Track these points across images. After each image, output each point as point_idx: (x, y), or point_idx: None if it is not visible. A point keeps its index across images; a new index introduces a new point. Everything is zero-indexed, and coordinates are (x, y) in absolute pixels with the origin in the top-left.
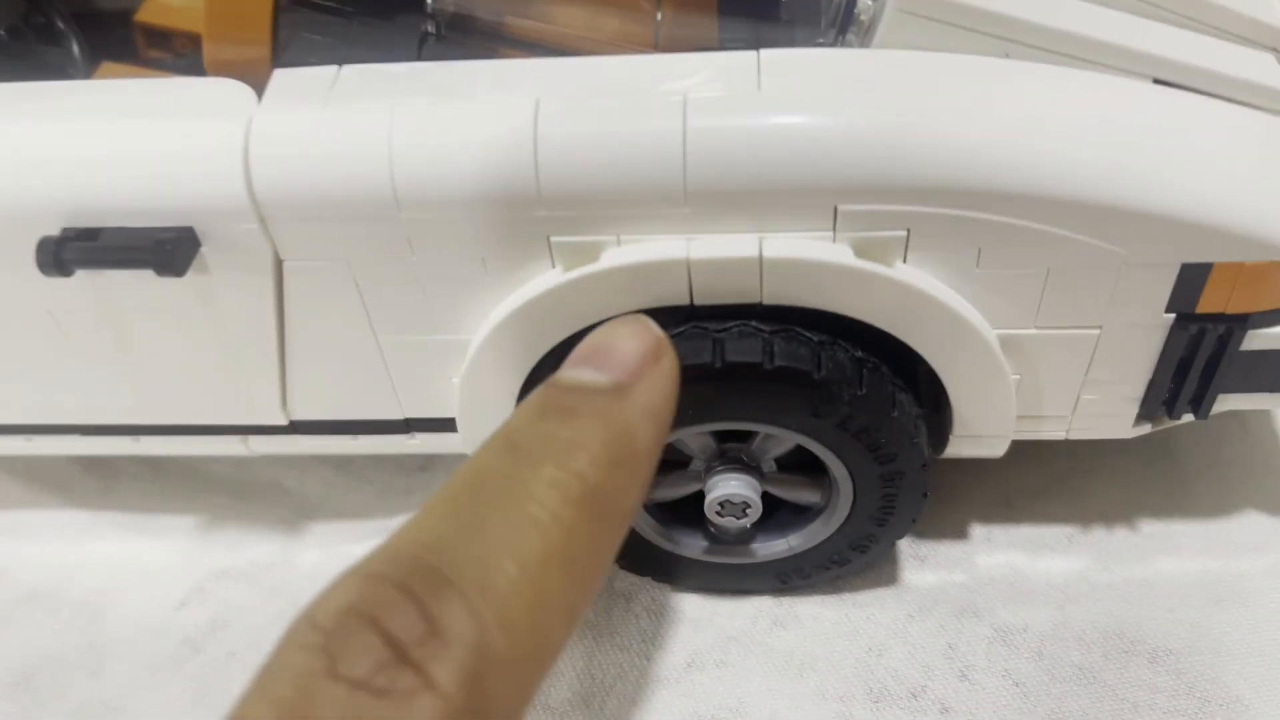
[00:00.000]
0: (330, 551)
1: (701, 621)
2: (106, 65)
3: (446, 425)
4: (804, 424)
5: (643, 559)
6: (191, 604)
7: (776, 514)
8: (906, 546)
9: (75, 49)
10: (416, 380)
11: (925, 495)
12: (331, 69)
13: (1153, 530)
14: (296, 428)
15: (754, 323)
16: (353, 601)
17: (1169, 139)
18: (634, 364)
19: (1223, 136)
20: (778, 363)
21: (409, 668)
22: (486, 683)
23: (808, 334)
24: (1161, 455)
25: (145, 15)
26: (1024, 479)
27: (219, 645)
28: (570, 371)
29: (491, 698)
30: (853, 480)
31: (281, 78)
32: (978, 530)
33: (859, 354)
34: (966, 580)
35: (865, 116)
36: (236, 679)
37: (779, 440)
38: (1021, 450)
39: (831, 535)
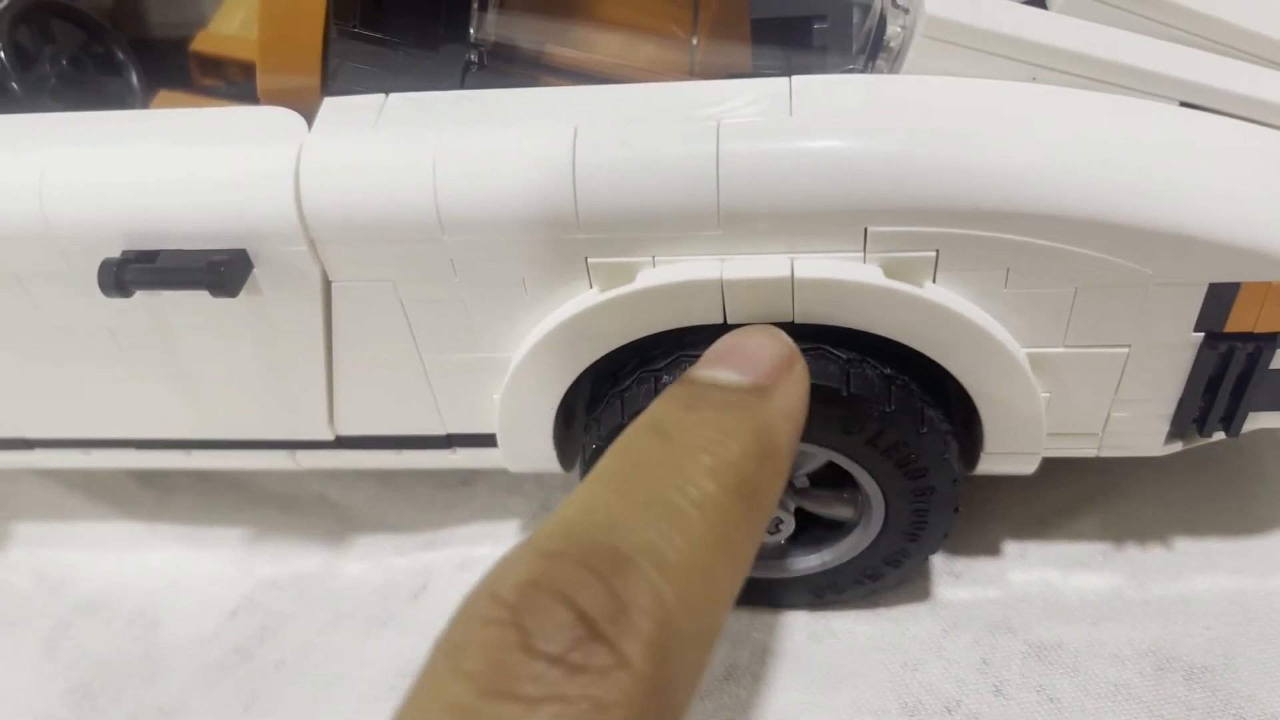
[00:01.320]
0: (374, 563)
1: (738, 635)
2: (164, 93)
3: (487, 441)
4: (834, 440)
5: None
6: (242, 613)
7: (810, 529)
8: (941, 562)
9: (134, 78)
10: (458, 397)
11: (957, 510)
12: (379, 97)
13: (1187, 547)
14: (343, 443)
15: None
16: (535, 577)
17: (1195, 160)
18: (771, 368)
19: (1249, 158)
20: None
21: (602, 643)
22: (672, 658)
23: (836, 352)
24: (1194, 472)
25: (200, 45)
26: (1057, 496)
27: (269, 653)
28: (708, 370)
29: (675, 673)
30: (884, 495)
31: (331, 106)
32: (1012, 547)
33: (887, 371)
34: (1001, 596)
35: (894, 140)
36: (286, 686)
37: (810, 456)
38: (1054, 467)
39: (865, 550)
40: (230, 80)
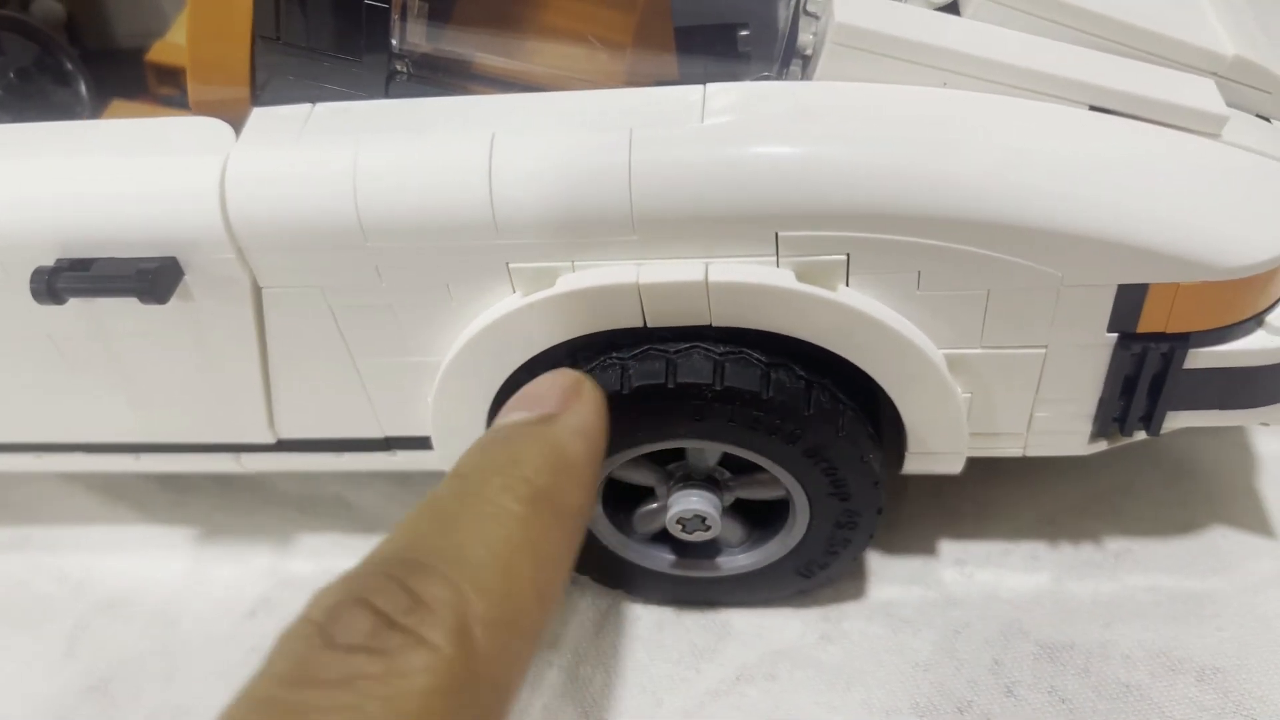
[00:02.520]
0: None
1: (749, 636)
2: (117, 103)
3: (424, 443)
4: (755, 442)
5: (689, 589)
6: (259, 614)
7: (764, 518)
8: (951, 563)
9: (83, 89)
10: (393, 400)
11: (880, 511)
12: (305, 107)
13: (1197, 549)
14: (285, 445)
15: (704, 345)
16: (341, 597)
17: (1100, 163)
18: (557, 398)
19: (1156, 160)
20: (727, 382)
21: (399, 631)
22: (473, 638)
23: (757, 356)
24: (1193, 474)
25: (155, 55)
26: (1065, 497)
27: None
28: (503, 418)
29: (480, 653)
30: (806, 495)
31: (258, 116)
32: (1023, 548)
33: (805, 375)
34: (1012, 598)
35: (802, 145)
36: None
37: (703, 452)
38: (1064, 466)
39: (812, 521)
40: (185, 89)
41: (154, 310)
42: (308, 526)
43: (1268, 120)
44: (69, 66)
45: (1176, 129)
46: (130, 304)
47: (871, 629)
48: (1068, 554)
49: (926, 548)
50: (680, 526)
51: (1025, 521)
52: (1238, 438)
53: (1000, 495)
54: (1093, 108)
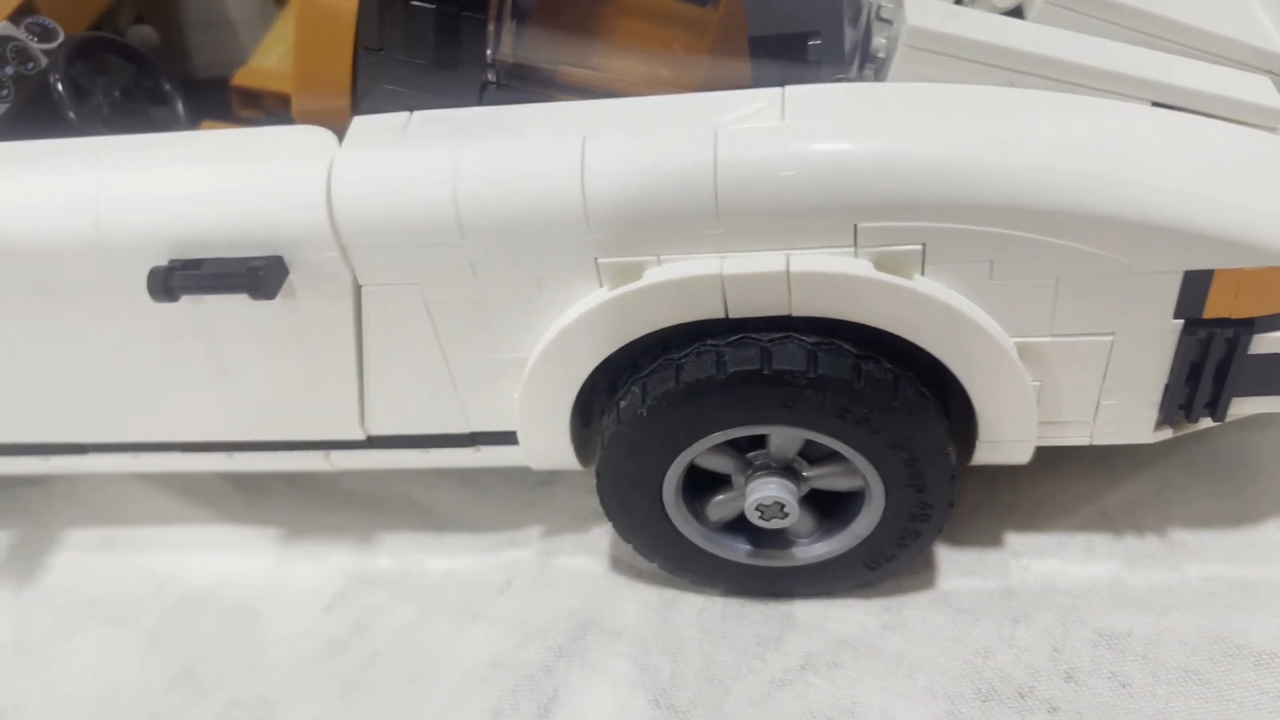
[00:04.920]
0: (459, 560)
1: (813, 626)
2: (207, 123)
3: (509, 438)
4: (837, 428)
5: (757, 579)
6: (336, 608)
7: (838, 508)
8: (1009, 555)
9: (180, 107)
10: (481, 395)
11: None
12: (404, 115)
13: (1252, 539)
14: (374, 443)
15: (798, 335)
16: None
17: (1164, 155)
18: None
19: (1217, 151)
20: (820, 370)
21: None
22: None
23: (848, 347)
24: (1247, 468)
25: (240, 79)
26: (1120, 492)
27: (362, 645)
28: None
29: None
30: (876, 468)
31: (359, 124)
32: (1079, 540)
33: (892, 367)
34: (1070, 588)
35: (878, 141)
36: (379, 676)
37: (791, 437)
38: (1115, 464)
39: (886, 513)
40: (268, 110)
41: (259, 308)
42: (380, 525)
43: None
44: (167, 87)
45: (1236, 123)
46: (237, 302)
47: (932, 618)
48: (1124, 546)
49: (985, 541)
50: (759, 513)
51: (1081, 516)
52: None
53: (1055, 491)
54: (1155, 104)
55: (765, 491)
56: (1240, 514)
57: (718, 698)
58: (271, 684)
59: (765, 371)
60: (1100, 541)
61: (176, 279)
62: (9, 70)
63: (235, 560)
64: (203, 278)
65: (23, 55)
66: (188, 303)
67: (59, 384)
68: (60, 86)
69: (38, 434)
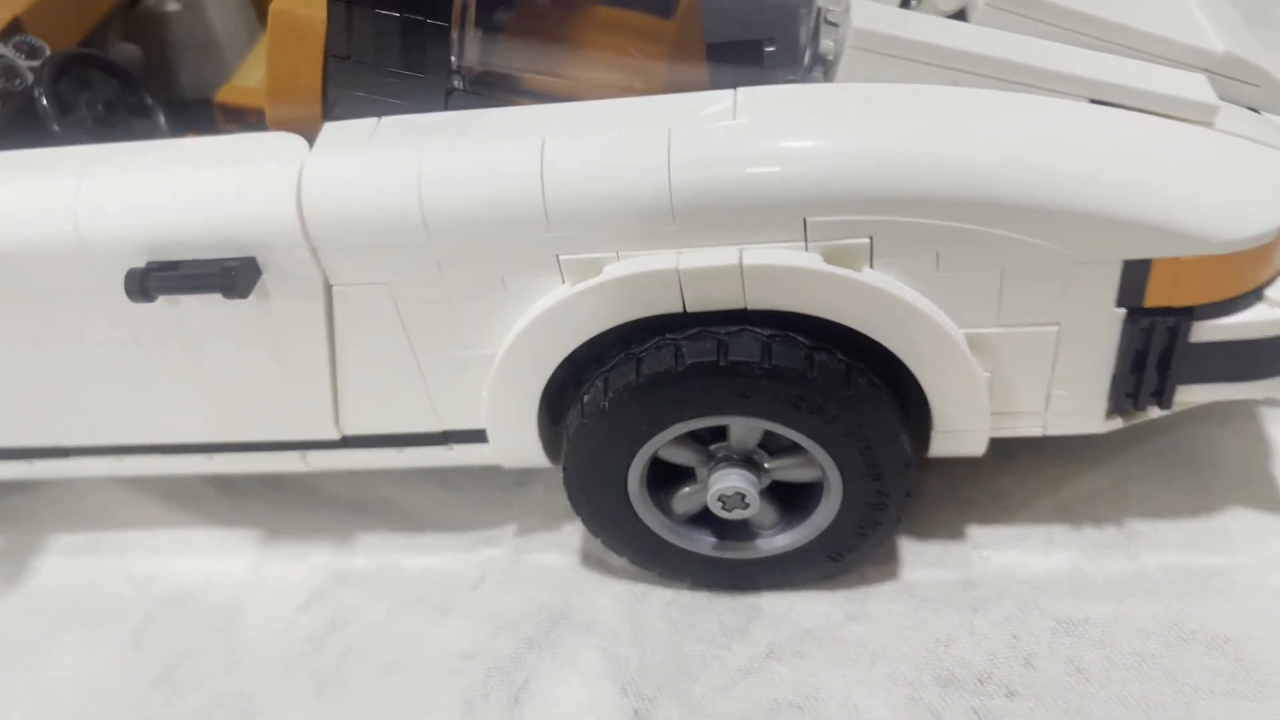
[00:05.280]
0: (434, 559)
1: (778, 617)
2: (190, 137)
3: (479, 436)
4: (797, 420)
5: (725, 571)
6: (313, 605)
7: (799, 500)
8: (971, 547)
9: (161, 121)
10: (451, 394)
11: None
12: (372, 121)
13: (1208, 529)
14: (349, 442)
15: (753, 328)
16: None
17: (1101, 147)
18: None
19: (1153, 145)
20: (774, 361)
21: None
22: None
23: (802, 338)
24: (1204, 462)
25: (222, 96)
26: (1079, 485)
27: (338, 641)
28: None
29: None
30: (832, 457)
31: (329, 129)
32: (1038, 531)
33: (845, 358)
34: (1029, 578)
35: (825, 138)
36: (354, 671)
37: (750, 429)
38: (1074, 458)
39: (844, 503)
40: (249, 126)
41: (234, 309)
42: (360, 526)
43: (1256, 111)
44: (149, 101)
45: (1172, 119)
46: (212, 303)
47: (895, 608)
48: (1082, 537)
49: (947, 534)
50: (721, 504)
51: (1041, 508)
52: (1249, 428)
53: (1016, 484)
54: (1093, 101)
55: (726, 482)
56: (1196, 505)
57: (685, 686)
58: (250, 681)
59: (721, 363)
60: (1059, 533)
61: (153, 280)
62: None
63: (215, 561)
64: (178, 278)
65: (9, 72)
66: (166, 305)
67: (42, 389)
68: (44, 100)
69: (21, 438)
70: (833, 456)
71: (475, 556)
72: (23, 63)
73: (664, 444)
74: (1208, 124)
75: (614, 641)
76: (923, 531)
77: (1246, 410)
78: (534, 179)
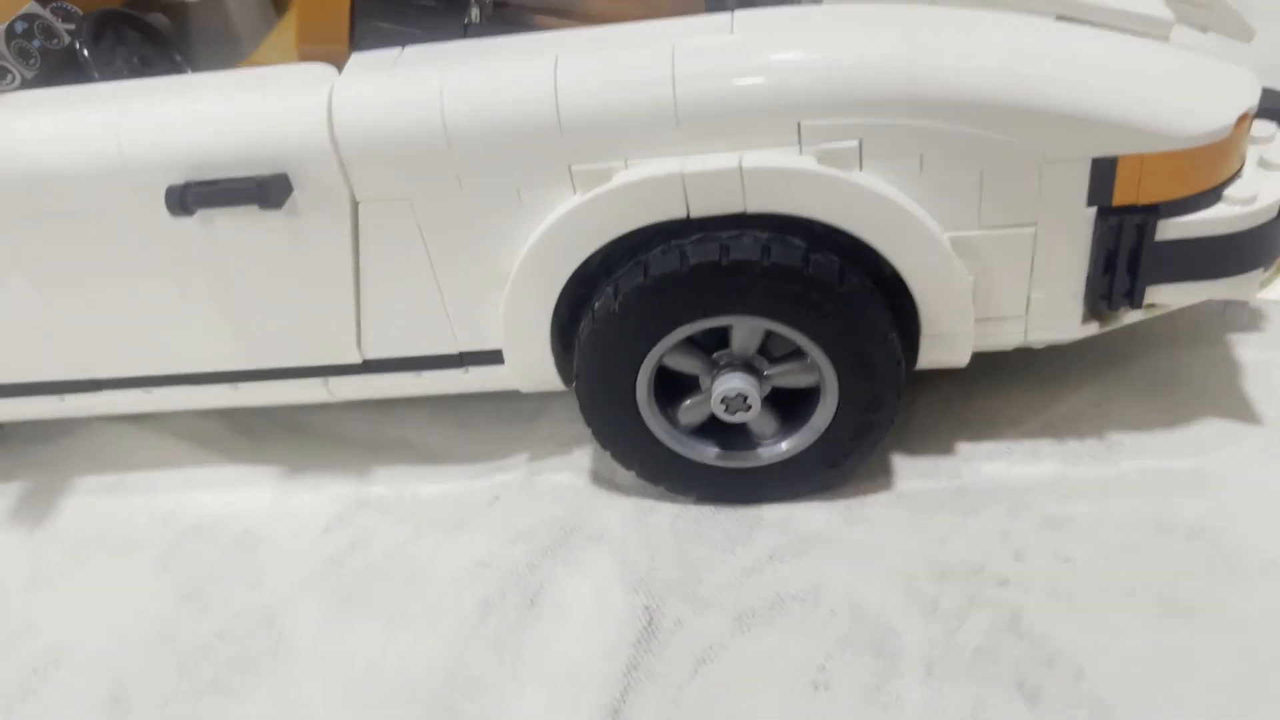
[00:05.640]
0: (451, 485)
1: (779, 525)
2: None
3: (494, 358)
4: (795, 317)
5: (728, 482)
6: (333, 530)
7: (797, 411)
8: (962, 461)
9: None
10: (468, 313)
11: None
12: (396, 50)
13: (1186, 437)
14: (369, 367)
15: (753, 231)
16: None
17: (1069, 55)
18: None
19: (1115, 54)
20: (773, 260)
21: None
22: None
23: (796, 240)
24: (1174, 379)
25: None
26: (1062, 405)
27: (358, 560)
28: None
29: None
30: (828, 356)
31: (356, 58)
32: (1024, 445)
33: (836, 256)
34: (1017, 484)
35: (814, 48)
36: (376, 587)
37: (751, 332)
38: (1057, 382)
39: (840, 404)
40: None
41: (264, 229)
42: (377, 461)
43: (1204, 31)
44: (178, 58)
45: (1131, 34)
46: (245, 223)
47: (890, 514)
48: (1066, 449)
49: (937, 450)
50: (724, 406)
51: (1027, 426)
52: (1219, 352)
53: (1003, 405)
54: (1059, 18)
55: (729, 384)
56: (1171, 418)
57: (692, 585)
58: (274, 597)
59: (723, 263)
60: (1045, 446)
61: (191, 194)
62: (36, 43)
63: (237, 495)
64: (216, 191)
65: (48, 32)
66: (199, 226)
67: (76, 318)
68: (85, 51)
69: (54, 372)
70: (828, 355)
71: (489, 481)
72: (60, 25)
73: (670, 348)
74: (1164, 38)
75: (623, 549)
76: (915, 448)
77: (1217, 335)
78: (548, 92)
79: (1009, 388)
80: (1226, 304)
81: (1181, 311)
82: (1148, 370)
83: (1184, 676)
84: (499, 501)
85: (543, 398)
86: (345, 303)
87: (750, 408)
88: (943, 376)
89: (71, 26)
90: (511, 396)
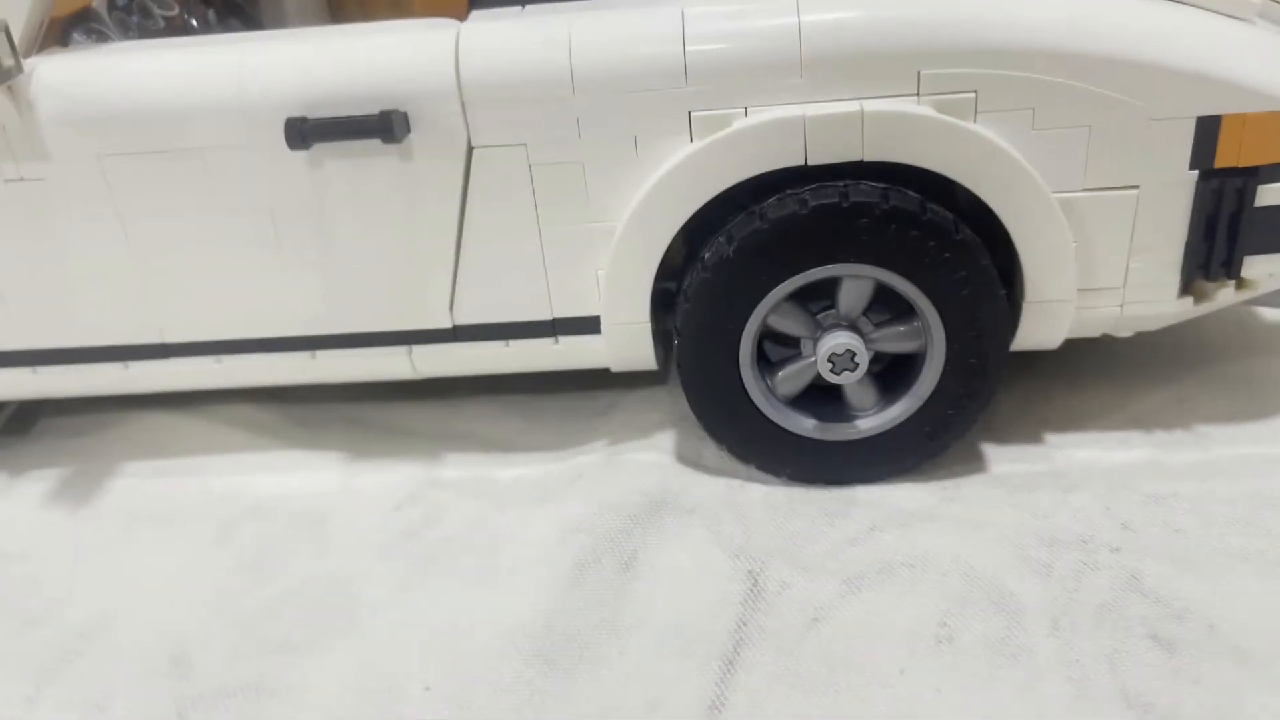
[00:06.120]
0: (529, 469)
1: (875, 503)
2: None
3: (588, 327)
4: (909, 266)
5: (829, 461)
6: (405, 507)
7: (895, 383)
8: (1053, 449)
9: None
10: (567, 274)
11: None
12: (517, 7)
13: (1271, 428)
14: (458, 334)
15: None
16: None
17: (1173, 19)
18: None
19: (1215, 26)
20: (892, 203)
21: None
22: None
23: (911, 193)
24: (1251, 380)
25: None
26: (1142, 403)
27: (434, 532)
28: None
29: None
30: (938, 310)
31: (479, 12)
32: (1113, 436)
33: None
34: (1112, 468)
35: (938, 2)
36: (455, 554)
37: (860, 290)
38: (1138, 382)
39: (946, 367)
40: None
41: (376, 173)
42: (447, 449)
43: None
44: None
45: (1220, 14)
46: (358, 162)
47: (989, 492)
48: (1154, 438)
49: (1025, 440)
50: (830, 365)
51: (1111, 420)
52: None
53: (1083, 404)
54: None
55: (836, 340)
56: (1256, 411)
57: (793, 552)
58: (344, 565)
59: (844, 205)
60: (1133, 436)
61: (311, 126)
62: (135, 19)
63: (298, 478)
64: (336, 122)
65: (145, 10)
66: (309, 169)
67: (161, 269)
68: (193, 21)
69: (124, 334)
70: (938, 308)
71: (569, 463)
72: (157, 10)
73: (779, 302)
74: (1250, 21)
75: (717, 521)
76: (1003, 438)
77: None
78: (675, 37)
79: (1088, 388)
80: None
81: (1253, 316)
82: (1221, 374)
83: None
84: (583, 479)
85: (616, 392)
86: (444, 259)
87: (857, 367)
88: (1023, 376)
89: (165, 12)
90: (582, 391)
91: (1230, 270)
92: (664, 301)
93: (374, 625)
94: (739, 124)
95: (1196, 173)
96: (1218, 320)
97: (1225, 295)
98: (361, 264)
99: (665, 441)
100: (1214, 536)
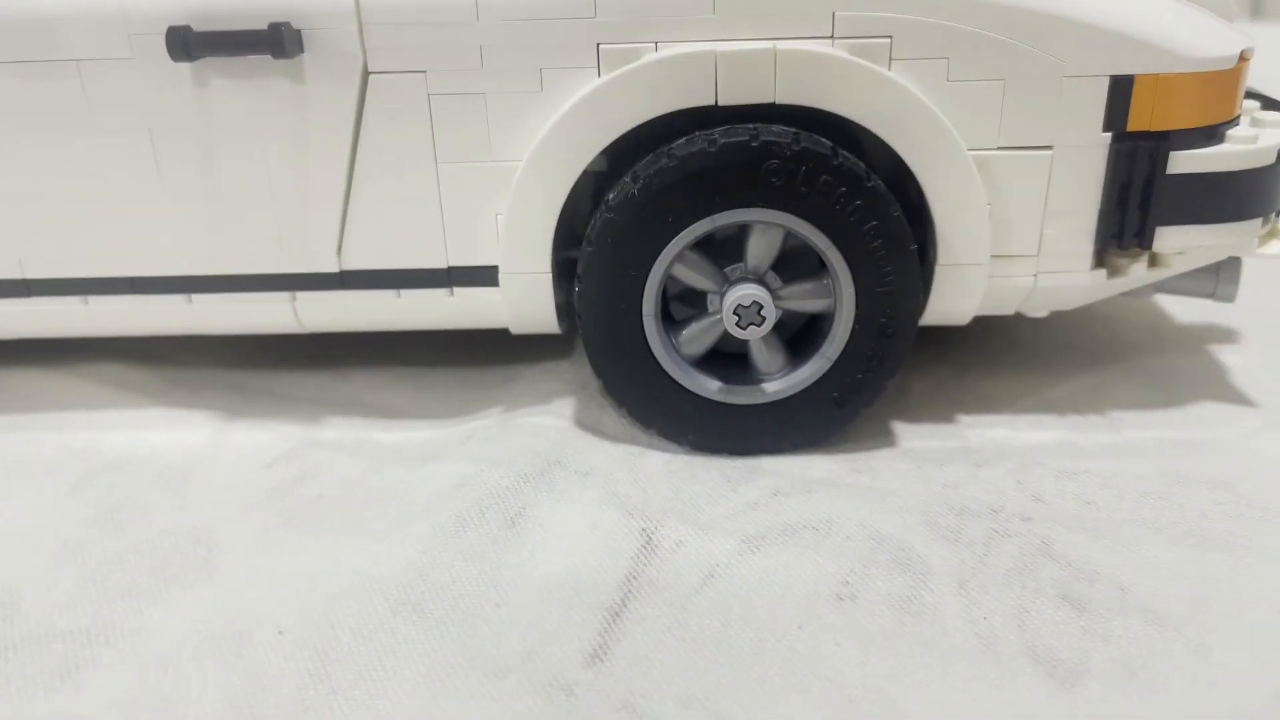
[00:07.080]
0: (416, 434)
1: (781, 471)
2: None
3: (485, 278)
4: (821, 213)
5: (733, 428)
6: (279, 464)
7: (803, 349)
8: (965, 428)
9: None
10: (465, 218)
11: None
12: None
13: (1182, 414)
14: (346, 281)
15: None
16: None
17: None
18: None
19: None
20: (803, 145)
21: None
22: None
23: (824, 139)
24: (1166, 372)
25: None
26: (1058, 389)
27: (307, 489)
28: None
29: None
30: (848, 262)
31: None
32: (1025, 418)
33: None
34: (1025, 446)
35: None
36: (327, 509)
37: (769, 242)
38: (1051, 370)
39: (855, 326)
40: None
41: (264, 95)
42: (330, 412)
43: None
44: None
45: None
46: (244, 84)
47: (898, 465)
48: (1068, 421)
49: (938, 419)
50: (737, 319)
51: (1025, 404)
52: (1204, 356)
53: (997, 390)
54: None
55: (743, 292)
56: (1168, 399)
57: (692, 513)
58: (205, 520)
59: (753, 144)
60: (1046, 419)
61: (196, 37)
62: None
63: (165, 435)
64: (224, 35)
65: None
66: (193, 88)
67: (25, 191)
68: None
69: None
70: (847, 260)
71: (459, 428)
72: None
73: (684, 249)
74: None
75: (613, 483)
76: (915, 418)
77: (1198, 343)
78: None
79: (1003, 376)
80: (1218, 285)
81: (1165, 318)
82: (1137, 367)
83: (1231, 592)
84: (472, 440)
85: (517, 366)
86: (334, 193)
87: (764, 321)
88: (936, 364)
89: None
90: (480, 366)
91: (1144, 239)
92: (569, 271)
93: (230, 575)
94: (648, 58)
95: (1110, 135)
96: (1132, 320)
97: (1138, 271)
98: (245, 195)
99: (564, 408)
100: (1126, 509)
